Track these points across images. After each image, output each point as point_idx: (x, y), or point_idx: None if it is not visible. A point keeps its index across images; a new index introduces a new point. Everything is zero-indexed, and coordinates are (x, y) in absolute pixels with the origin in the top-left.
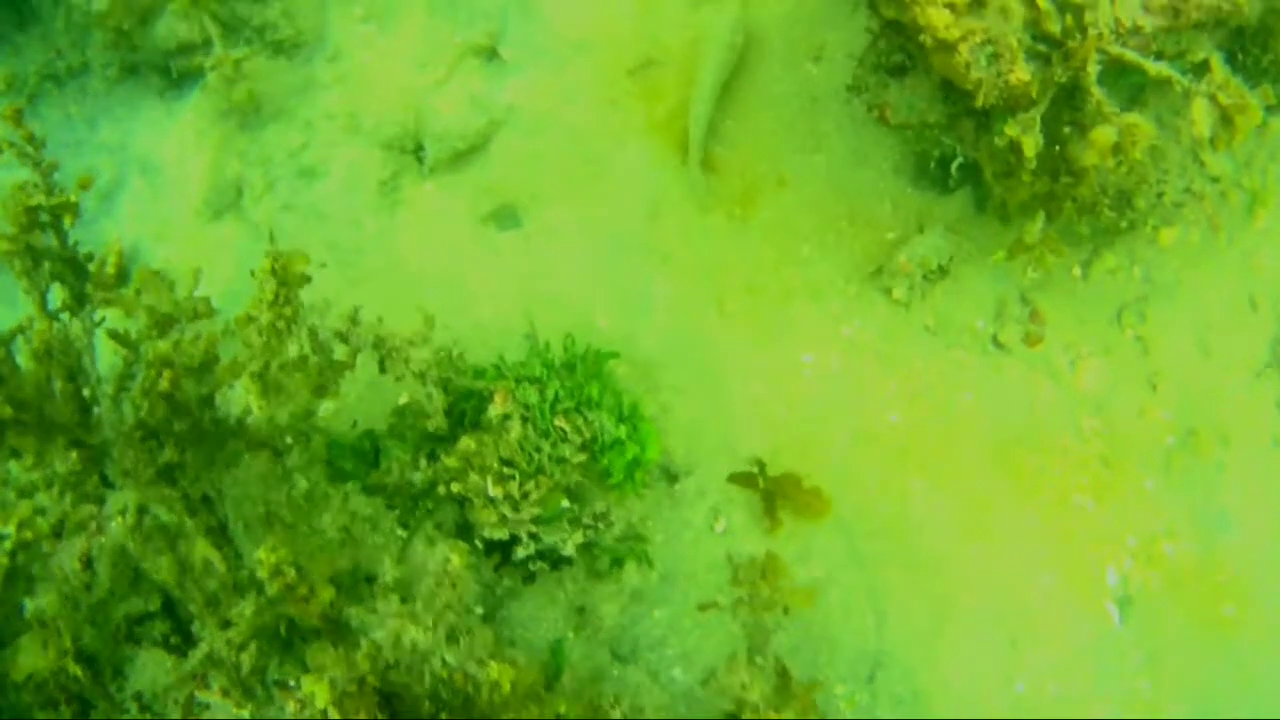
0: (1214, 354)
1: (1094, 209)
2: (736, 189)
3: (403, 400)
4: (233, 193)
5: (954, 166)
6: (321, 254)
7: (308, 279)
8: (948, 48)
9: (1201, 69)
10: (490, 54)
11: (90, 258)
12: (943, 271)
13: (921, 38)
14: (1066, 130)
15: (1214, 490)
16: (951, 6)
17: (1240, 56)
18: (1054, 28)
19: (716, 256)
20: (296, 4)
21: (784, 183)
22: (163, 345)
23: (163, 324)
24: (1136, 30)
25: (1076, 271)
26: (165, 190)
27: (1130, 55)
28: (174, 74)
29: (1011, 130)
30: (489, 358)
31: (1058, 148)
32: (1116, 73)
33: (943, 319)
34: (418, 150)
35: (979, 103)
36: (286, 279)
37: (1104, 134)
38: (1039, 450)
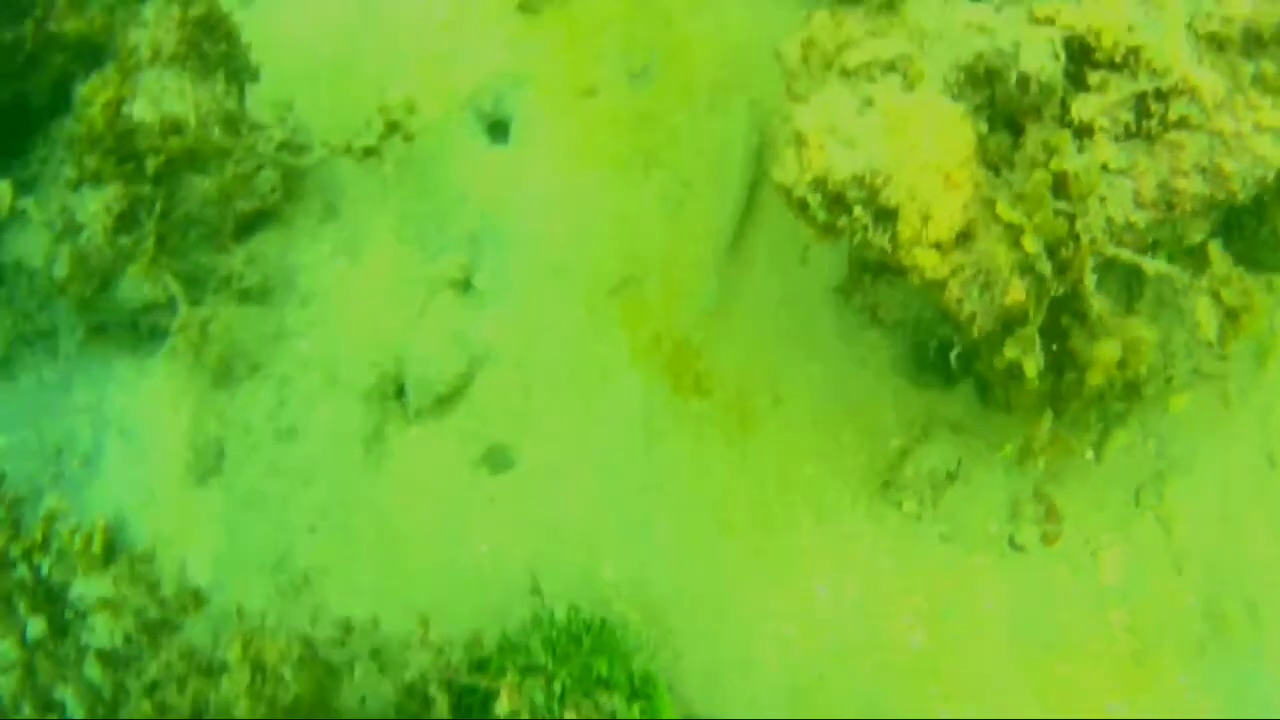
0: (1236, 523)
1: (1101, 401)
2: (732, 411)
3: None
4: (215, 455)
5: (953, 355)
6: (310, 519)
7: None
8: (938, 285)
9: (1200, 254)
10: (465, 285)
11: (76, 530)
12: (952, 477)
13: (910, 278)
14: (1066, 321)
15: (1250, 680)
16: (938, 245)
17: (1236, 229)
18: (1044, 269)
19: (718, 484)
20: (261, 248)
21: (780, 399)
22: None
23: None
24: (1130, 227)
25: (1089, 454)
26: (146, 454)
27: (1126, 255)
28: (142, 331)
29: (1011, 352)
30: (491, 619)
31: (1056, 347)
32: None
33: (957, 526)
34: (400, 393)
35: (974, 334)
36: (262, 662)
37: (1108, 350)
38: (1068, 657)
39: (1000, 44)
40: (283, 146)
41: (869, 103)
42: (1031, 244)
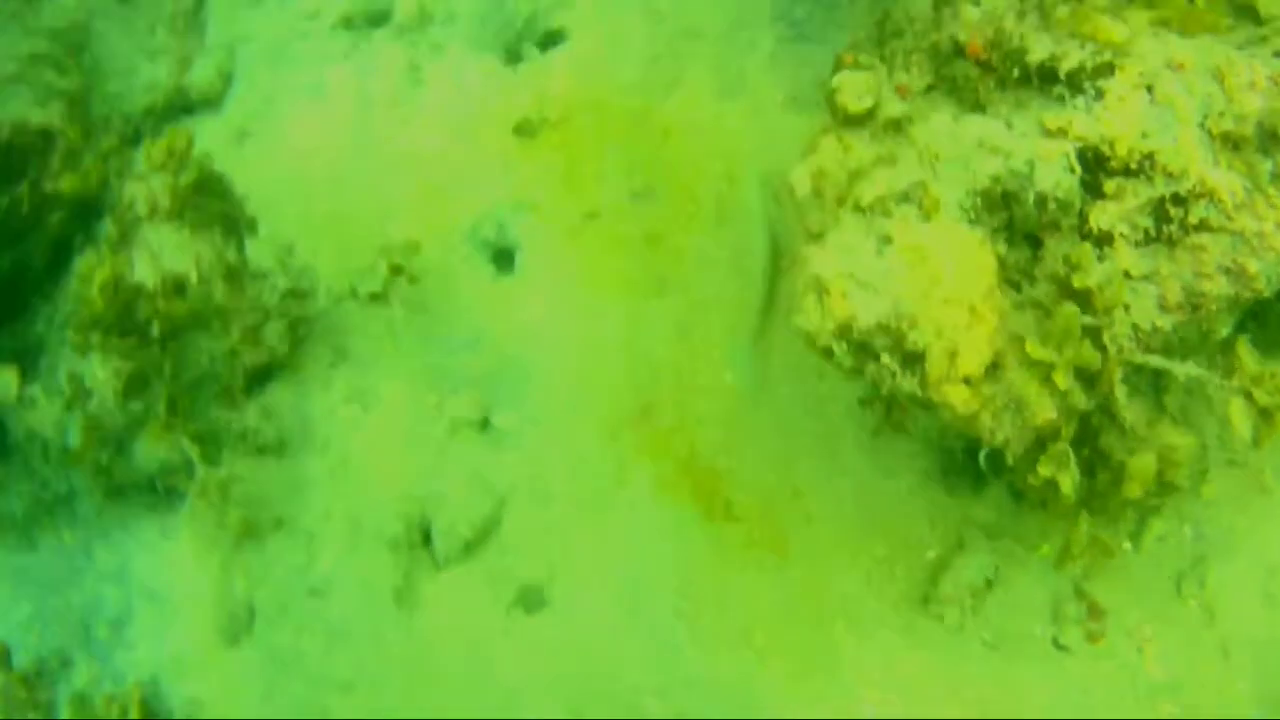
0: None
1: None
2: (763, 533)
3: None
4: (245, 614)
5: (982, 457)
6: (345, 675)
7: None
8: (969, 418)
9: (1228, 349)
10: (483, 424)
11: (112, 700)
12: (991, 584)
13: (939, 412)
14: (1096, 421)
15: None
16: (968, 381)
17: (1261, 316)
18: (1077, 399)
19: (755, 609)
20: (273, 400)
21: (811, 517)
22: None
23: None
24: (1156, 330)
25: (1126, 545)
26: (175, 617)
27: (1155, 361)
28: (161, 491)
29: (1046, 470)
30: None
31: (1088, 450)
32: None
33: (1000, 632)
34: (427, 539)
35: (1009, 461)
36: None
37: (1145, 464)
38: None
39: (1015, 165)
40: (287, 295)
41: (887, 240)
42: (1064, 380)
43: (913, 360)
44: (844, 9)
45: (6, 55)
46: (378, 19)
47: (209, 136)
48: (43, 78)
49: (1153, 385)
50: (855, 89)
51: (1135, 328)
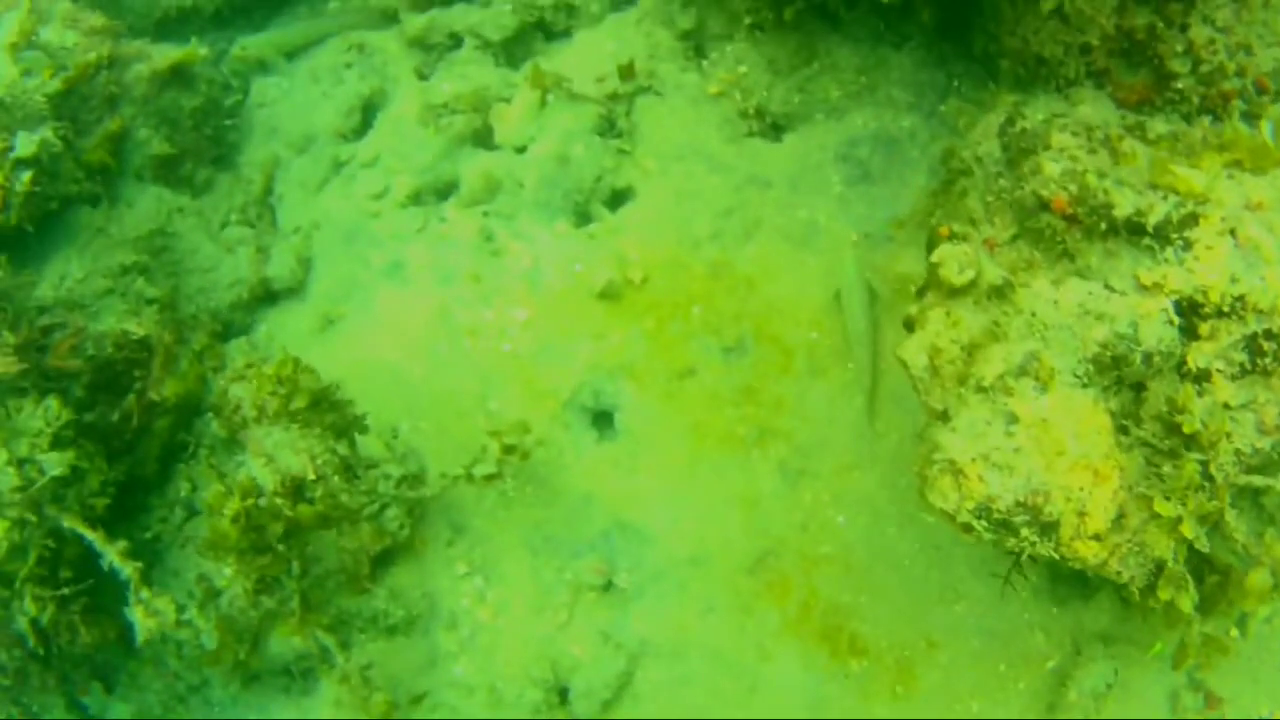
0: None
1: None
2: (890, 664)
3: None
4: None
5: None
6: None
7: None
8: (1099, 566)
9: None
10: (606, 585)
11: None
12: (1111, 687)
13: (1070, 564)
14: None
15: None
16: (1097, 536)
17: None
18: (1202, 543)
19: None
20: (400, 583)
21: (934, 644)
22: None
23: None
24: (1257, 451)
25: (1234, 633)
26: None
27: (1259, 480)
28: (296, 674)
29: (1165, 594)
30: None
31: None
32: None
33: None
34: (564, 700)
35: (1135, 598)
36: None
37: (1259, 579)
38: None
39: (1119, 328)
40: (402, 482)
41: (1013, 419)
42: (1190, 529)
43: (1049, 529)
44: (905, 145)
45: (98, 271)
46: (445, 191)
47: (296, 324)
48: (134, 287)
49: (1252, 495)
50: (956, 262)
51: (1238, 453)
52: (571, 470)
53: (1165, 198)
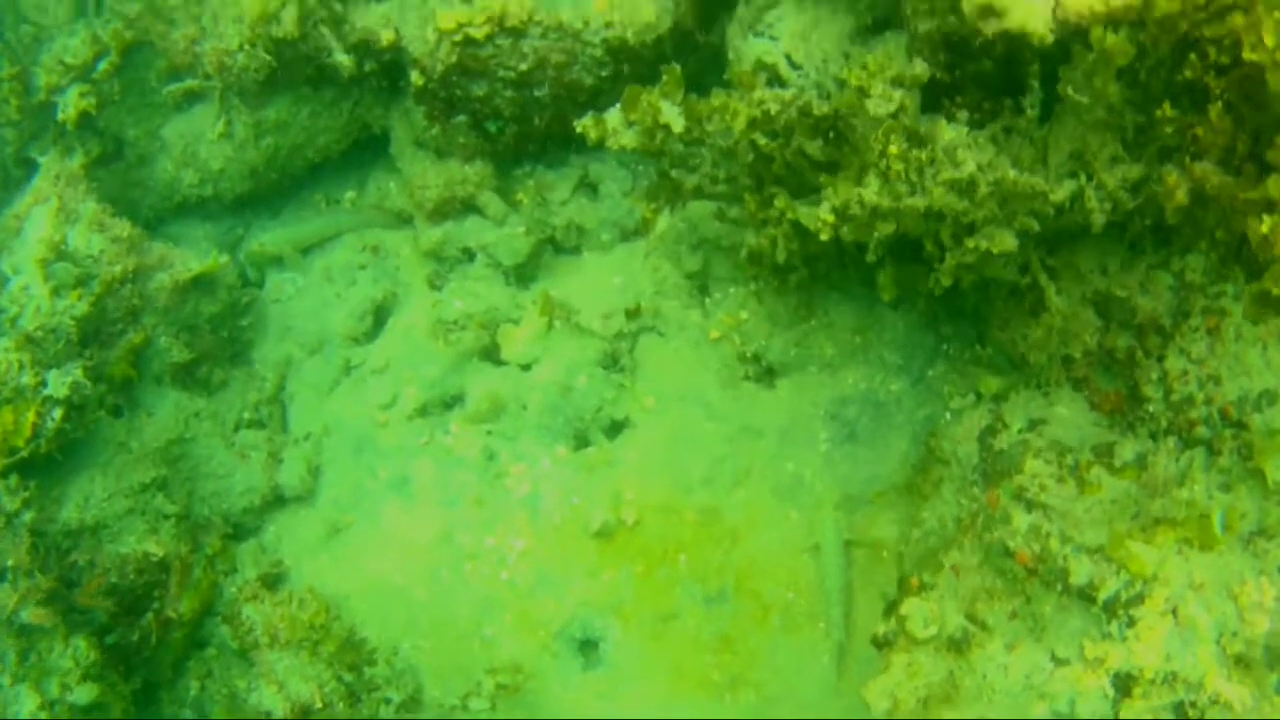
0: None
1: None
2: None
3: None
4: None
5: None
6: None
7: None
8: None
9: None
10: None
11: None
12: None
13: None
14: None
15: None
16: None
17: None
18: None
19: None
20: None
21: None
22: None
23: None
24: None
25: None
26: None
27: None
28: None
29: None
30: None
31: None
32: None
33: None
34: None
35: None
36: None
37: None
38: None
39: (1058, 706)
40: (401, 707)
41: None
42: None
43: None
44: (892, 410)
45: (120, 491)
46: (451, 403)
47: (304, 530)
48: (153, 505)
49: None
50: (922, 618)
51: None
52: (555, 697)
53: (1118, 572)
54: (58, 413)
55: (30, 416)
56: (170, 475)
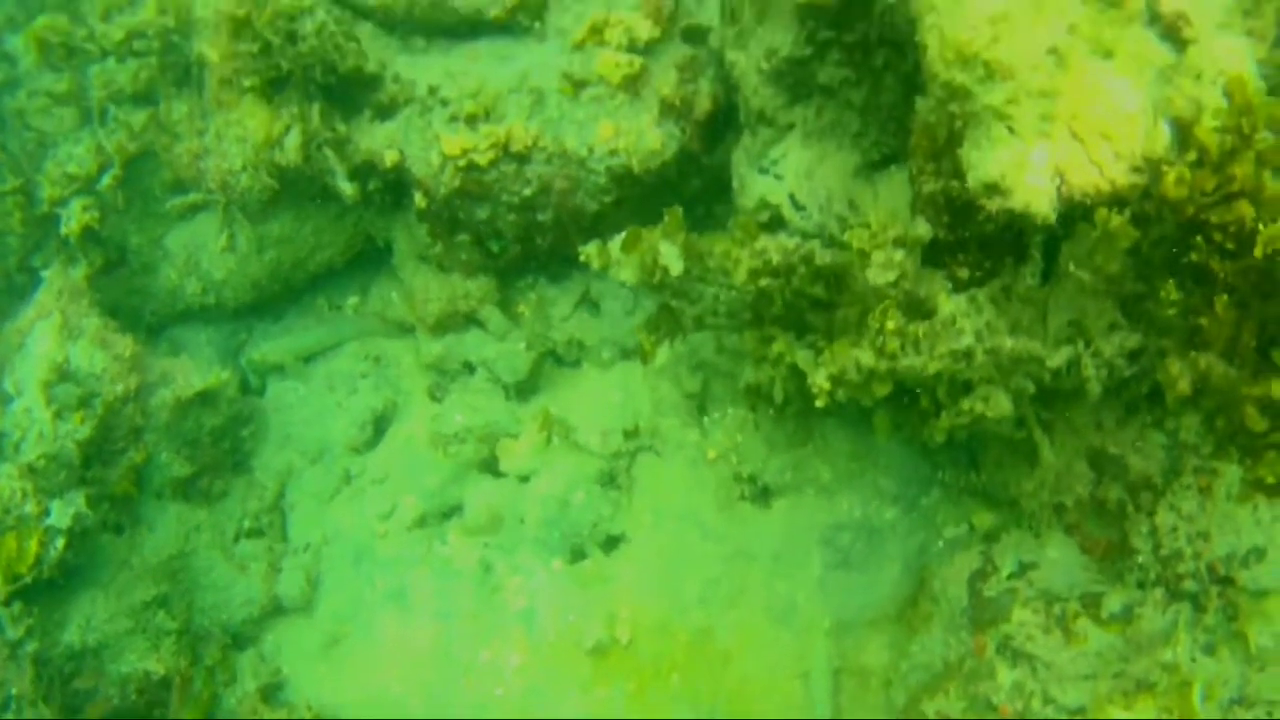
0: None
1: None
2: None
3: None
4: None
5: None
6: None
7: None
8: None
9: None
10: None
11: None
12: None
13: None
14: None
15: None
16: None
17: None
18: None
19: None
20: None
21: None
22: None
23: None
24: None
25: None
26: None
27: None
28: None
29: None
30: None
31: None
32: None
33: None
34: None
35: None
36: None
37: None
38: None
39: None
40: None
41: None
42: None
43: None
44: (885, 537)
45: (121, 611)
46: (449, 514)
47: (303, 639)
48: (154, 622)
49: None
50: None
51: None
52: None
53: None
54: (60, 542)
55: (33, 545)
56: (171, 590)
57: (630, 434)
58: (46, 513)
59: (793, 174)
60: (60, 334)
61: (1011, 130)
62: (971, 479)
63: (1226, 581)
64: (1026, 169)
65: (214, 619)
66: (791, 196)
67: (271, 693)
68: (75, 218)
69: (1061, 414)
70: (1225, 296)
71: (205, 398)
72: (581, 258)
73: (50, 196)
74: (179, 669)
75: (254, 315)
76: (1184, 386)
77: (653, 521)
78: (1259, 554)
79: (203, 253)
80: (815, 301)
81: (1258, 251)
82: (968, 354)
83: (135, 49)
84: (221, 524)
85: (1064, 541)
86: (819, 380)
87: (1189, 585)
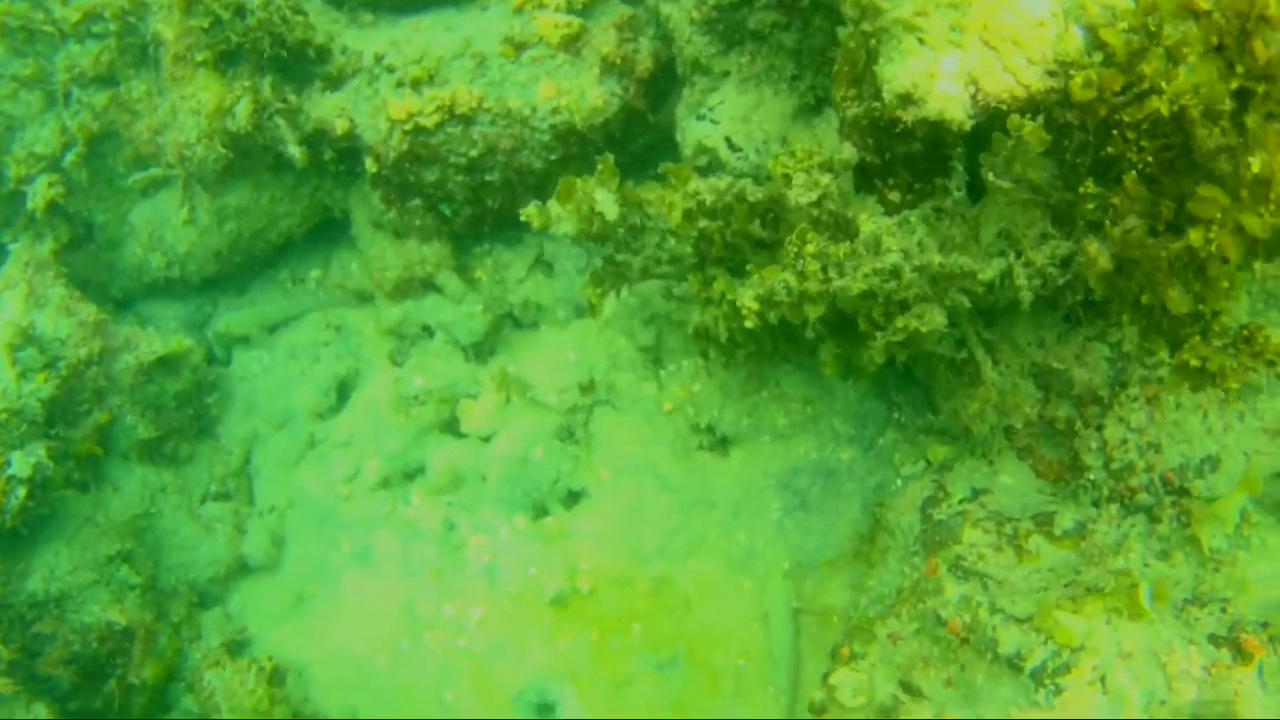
0: None
1: None
2: None
3: None
4: None
5: None
6: None
7: None
8: None
9: None
10: None
11: None
12: None
13: None
14: None
15: None
16: None
17: None
18: None
19: None
20: None
21: None
22: None
23: None
24: None
25: None
26: None
27: None
28: None
29: None
30: None
31: None
32: None
33: None
34: None
35: None
36: None
37: None
38: None
39: None
40: None
41: None
42: None
43: None
44: (843, 478)
45: (85, 564)
46: (412, 475)
47: (268, 598)
48: (118, 576)
49: None
50: (851, 689)
51: None
52: None
53: (1045, 642)
54: (21, 491)
55: None
56: (136, 547)
57: (586, 389)
58: (7, 464)
59: (728, 118)
60: (26, 302)
61: (921, 41)
62: (929, 419)
63: (1181, 492)
64: (938, 77)
65: (180, 577)
66: (728, 139)
67: (237, 649)
68: (41, 193)
69: (1004, 333)
70: (1134, 173)
71: (167, 363)
72: (523, 217)
73: (16, 175)
74: (143, 622)
75: (218, 290)
76: (1104, 263)
77: (612, 475)
78: (1213, 463)
79: (166, 227)
80: (758, 242)
81: (1164, 109)
82: (895, 272)
83: (93, 31)
84: (188, 487)
85: (1017, 466)
86: (745, 300)
87: (1143, 498)
